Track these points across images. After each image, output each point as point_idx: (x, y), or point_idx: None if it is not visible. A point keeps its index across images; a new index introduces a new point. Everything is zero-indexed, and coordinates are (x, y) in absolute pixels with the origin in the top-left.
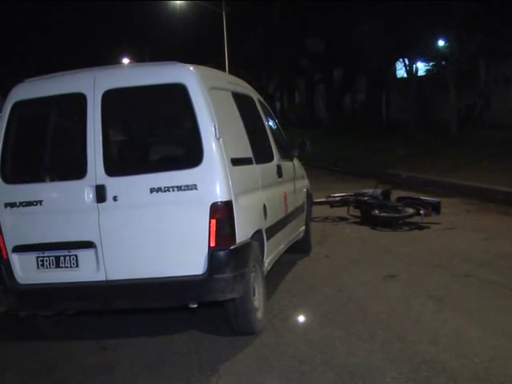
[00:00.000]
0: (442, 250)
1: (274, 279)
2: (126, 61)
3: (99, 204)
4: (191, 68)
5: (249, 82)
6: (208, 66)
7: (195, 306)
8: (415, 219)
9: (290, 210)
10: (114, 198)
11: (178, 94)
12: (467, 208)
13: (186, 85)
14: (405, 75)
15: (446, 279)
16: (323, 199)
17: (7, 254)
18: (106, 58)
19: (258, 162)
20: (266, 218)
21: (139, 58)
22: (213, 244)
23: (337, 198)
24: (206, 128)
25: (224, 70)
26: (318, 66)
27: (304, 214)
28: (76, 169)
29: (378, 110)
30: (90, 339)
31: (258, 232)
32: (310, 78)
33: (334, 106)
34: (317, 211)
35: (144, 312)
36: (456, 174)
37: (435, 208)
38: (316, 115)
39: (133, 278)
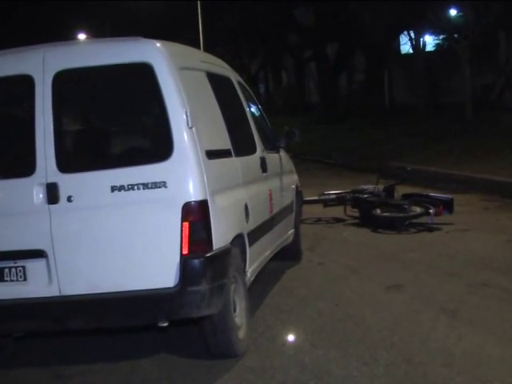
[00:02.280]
0: (455, 255)
1: (258, 292)
2: (81, 37)
3: (51, 206)
4: (158, 44)
5: (227, 61)
6: (179, 42)
7: (166, 324)
8: (424, 219)
9: (276, 210)
10: (69, 199)
11: (143, 75)
12: (485, 205)
13: (151, 64)
14: (410, 51)
15: (460, 289)
16: (315, 197)
17: None
18: (59, 34)
19: (238, 155)
20: (248, 220)
21: (99, 34)
22: (185, 251)
23: (331, 196)
24: (176, 115)
25: (198, 47)
26: (308, 41)
27: (293, 214)
28: (23, 164)
29: (379, 92)
30: (42, 366)
31: (239, 236)
32: (299, 56)
33: (328, 89)
34: (308, 211)
35: (106, 333)
36: (471, 165)
37: (447, 206)
38: (306, 99)
39: (91, 292)
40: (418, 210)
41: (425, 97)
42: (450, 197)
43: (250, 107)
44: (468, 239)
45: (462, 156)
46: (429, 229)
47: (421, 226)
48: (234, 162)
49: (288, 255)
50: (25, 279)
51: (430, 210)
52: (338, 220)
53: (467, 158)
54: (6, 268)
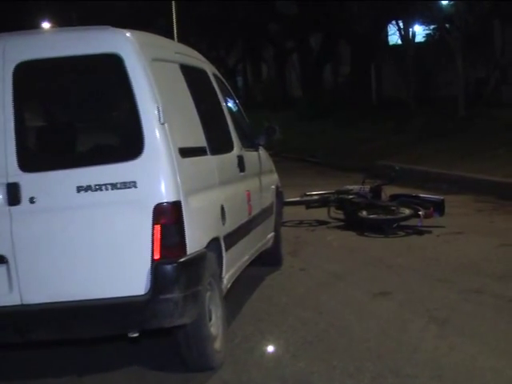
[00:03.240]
0: (446, 259)
1: (235, 300)
2: (45, 26)
3: (12, 207)
4: (128, 34)
5: (203, 53)
6: (151, 32)
7: (136, 335)
8: (413, 222)
9: (255, 212)
10: (31, 200)
11: (111, 67)
12: (479, 207)
13: (121, 55)
14: (399, 42)
15: (451, 296)
16: (297, 198)
17: None
18: (21, 23)
19: (213, 153)
20: (224, 223)
21: (64, 23)
22: (157, 256)
23: (314, 197)
24: (147, 110)
25: (171, 37)
26: (290, 31)
27: (273, 217)
28: None
29: (366, 85)
30: (1, 381)
31: (215, 240)
32: (280, 47)
33: (311, 82)
34: (289, 213)
35: (72, 344)
36: (464, 164)
37: (438, 207)
38: (288, 93)
39: (56, 301)
40: (407, 211)
41: (415, 91)
42: (441, 198)
43: (226, 102)
44: (460, 243)
45: (454, 154)
46: (418, 232)
47: (410, 229)
48: (210, 160)
49: (268, 260)
50: None
51: (420, 212)
52: (322, 223)
53: (460, 157)
54: None
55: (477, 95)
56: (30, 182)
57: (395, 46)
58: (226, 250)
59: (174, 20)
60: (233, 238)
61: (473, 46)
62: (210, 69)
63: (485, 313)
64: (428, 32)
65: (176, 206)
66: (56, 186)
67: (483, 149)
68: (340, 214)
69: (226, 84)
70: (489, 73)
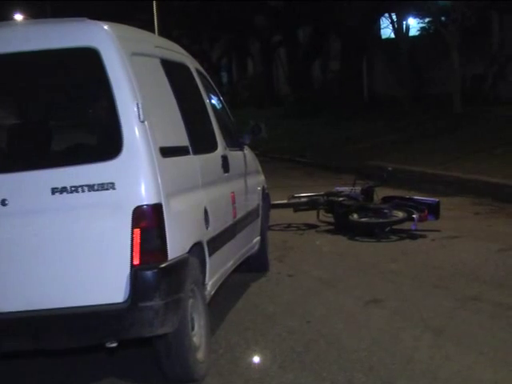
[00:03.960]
0: (442, 265)
1: (219, 307)
2: (18, 17)
3: None
4: (105, 27)
5: (185, 47)
6: (130, 25)
7: (114, 345)
8: (407, 225)
9: (240, 215)
10: (3, 202)
11: (88, 61)
12: (476, 210)
13: (98, 49)
14: (392, 35)
15: (447, 304)
16: (285, 201)
17: None
18: None
19: (196, 152)
20: (207, 227)
21: (38, 15)
22: (137, 261)
23: (303, 200)
24: (125, 107)
25: (152, 30)
26: (277, 24)
27: (259, 220)
28: None
29: (357, 82)
30: None
31: (198, 245)
32: (266, 41)
33: (299, 78)
34: (276, 216)
35: (46, 355)
36: (461, 165)
37: (433, 210)
38: (275, 90)
39: (29, 309)
40: (400, 214)
41: (409, 87)
42: (437, 200)
43: (210, 99)
44: (456, 248)
45: (450, 154)
46: (412, 236)
47: (403, 233)
48: (192, 160)
49: (253, 266)
50: None
51: (414, 215)
52: (310, 226)
53: (456, 157)
54: None
55: (474, 92)
56: (2, 184)
57: (388, 40)
58: (210, 255)
59: (155, 12)
60: (217, 243)
61: (469, 40)
62: (192, 64)
63: (482, 321)
64: (422, 25)
65: (156, 209)
66: (29, 187)
67: (481, 148)
68: (330, 218)
69: (210, 80)
70: (486, 68)
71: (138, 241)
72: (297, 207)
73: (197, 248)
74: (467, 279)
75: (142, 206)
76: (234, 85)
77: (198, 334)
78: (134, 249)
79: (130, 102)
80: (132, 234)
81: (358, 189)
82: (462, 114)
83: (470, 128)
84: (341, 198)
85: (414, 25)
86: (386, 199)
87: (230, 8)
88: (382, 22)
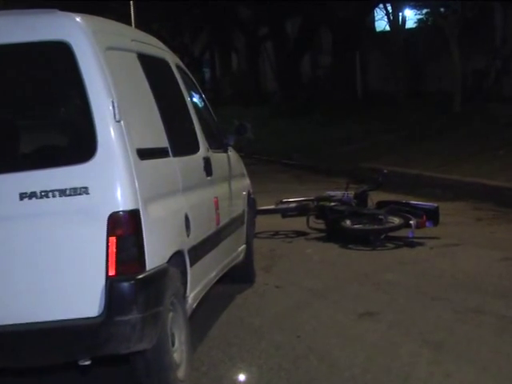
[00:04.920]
0: (441, 275)
1: (202, 321)
2: None
3: None
4: (78, 19)
5: (164, 41)
6: (105, 17)
7: (88, 362)
8: (403, 232)
9: (223, 221)
10: None
11: (59, 56)
12: (478, 215)
13: (70, 43)
14: (387, 28)
15: (447, 317)
16: (272, 206)
17: None
18: None
19: (176, 154)
20: (188, 234)
21: (5, 5)
22: (112, 272)
23: (291, 205)
24: (100, 106)
25: (129, 22)
26: (263, 16)
27: (244, 227)
28: None
29: (349, 78)
30: None
31: (178, 254)
32: (252, 34)
33: (288, 74)
34: (263, 223)
35: (14, 374)
36: (461, 167)
37: (431, 216)
38: (262, 87)
39: None
40: (397, 221)
41: (405, 84)
42: (435, 205)
43: (191, 97)
44: (457, 256)
45: (449, 156)
46: (409, 244)
47: (400, 241)
48: (172, 163)
49: (238, 277)
50: None
51: (411, 222)
52: (300, 234)
53: (456, 159)
54: None
55: (475, 89)
56: None
57: (383, 32)
58: (191, 265)
59: (132, 3)
60: (199, 252)
61: (470, 33)
62: (172, 59)
63: (485, 335)
64: (420, 17)
65: (133, 215)
66: None
67: (482, 149)
68: (320, 224)
69: (191, 76)
70: (488, 63)
71: (114, 250)
72: (285, 213)
73: (177, 257)
74: (468, 290)
75: (118, 212)
76: (217, 81)
77: (178, 351)
78: (110, 258)
79: (105, 100)
80: (107, 242)
81: (351, 193)
82: (462, 113)
83: (471, 127)
84: (332, 203)
85: (410, 16)
86: (381, 204)
87: None
88: (376, 14)
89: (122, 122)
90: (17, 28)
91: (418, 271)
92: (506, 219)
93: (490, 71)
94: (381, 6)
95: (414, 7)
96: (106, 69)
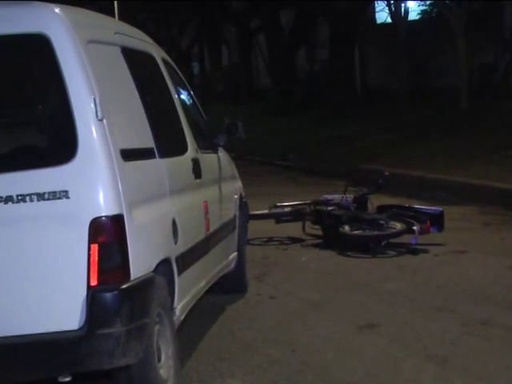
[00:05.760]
0: (447, 284)
1: (190, 334)
2: None
3: None
4: (57, 10)
5: (150, 34)
6: (87, 8)
7: (68, 379)
8: (406, 239)
9: (214, 227)
10: None
11: (37, 50)
12: (485, 220)
13: (48, 36)
14: (388, 20)
15: (453, 329)
16: (265, 211)
17: None
18: None
19: (163, 156)
20: (176, 241)
21: None
22: (94, 282)
23: (286, 209)
24: (81, 103)
25: (112, 14)
26: (256, 7)
27: (236, 233)
28: None
29: (348, 73)
30: None
31: (165, 262)
32: (244, 26)
33: (282, 69)
34: (256, 229)
35: None
36: (468, 169)
37: (436, 221)
38: (254, 82)
39: None
40: (399, 226)
41: (407, 80)
42: (440, 209)
43: (179, 93)
44: (463, 264)
45: (455, 156)
46: (412, 251)
47: (402, 248)
48: (159, 164)
49: (230, 286)
50: None
51: (414, 227)
52: (295, 240)
53: (462, 160)
54: None
55: (482, 84)
56: None
57: (384, 25)
58: (179, 273)
59: None
60: (187, 260)
61: (477, 25)
62: (158, 53)
63: (493, 349)
64: (423, 8)
65: (117, 221)
66: None
67: (490, 149)
68: (317, 230)
69: (179, 71)
70: (497, 57)
71: (96, 258)
72: (279, 218)
73: (164, 266)
74: (476, 300)
75: (101, 217)
76: (206, 77)
77: (165, 366)
78: (92, 267)
79: (86, 97)
80: (89, 250)
81: (349, 196)
82: (468, 110)
83: (478, 126)
84: (330, 208)
85: (413, 7)
86: (381, 208)
87: None
88: (376, 5)
89: (104, 121)
90: None
91: (422, 280)
92: None
93: (498, 65)
94: None
95: None
96: (88, 63)
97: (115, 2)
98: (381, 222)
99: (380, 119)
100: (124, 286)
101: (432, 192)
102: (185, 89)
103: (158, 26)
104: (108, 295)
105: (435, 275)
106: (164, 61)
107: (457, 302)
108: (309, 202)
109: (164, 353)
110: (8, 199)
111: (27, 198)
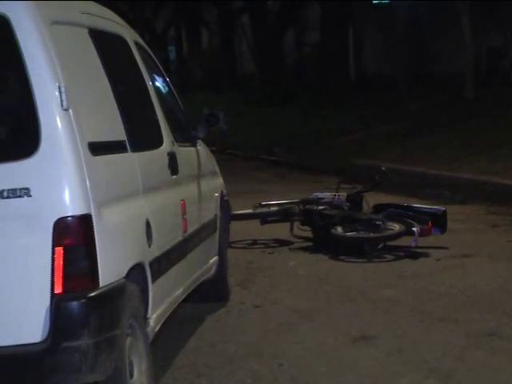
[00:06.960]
0: (450, 292)
1: (166, 347)
2: None
3: None
4: None
5: (122, 14)
6: None
7: None
8: (405, 241)
9: (192, 228)
10: None
11: None
12: (493, 221)
13: (7, 17)
14: (386, 0)
15: (457, 342)
16: (250, 210)
17: None
18: None
19: (135, 149)
20: (150, 244)
21: None
22: (59, 289)
23: (272, 209)
24: (44, 91)
25: None
26: None
27: (217, 235)
28: None
29: (341, 58)
30: None
31: (138, 267)
32: (225, 7)
33: (268, 54)
34: (239, 231)
35: None
36: (473, 164)
37: (438, 222)
38: (237, 69)
39: None
40: (397, 227)
41: (407, 66)
42: (442, 209)
43: (153, 80)
44: (468, 270)
45: (458, 150)
46: (412, 255)
47: (400, 251)
48: (131, 159)
49: (210, 294)
50: None
51: (414, 228)
52: (283, 243)
53: (466, 154)
54: None
55: (490, 71)
56: None
57: (381, 5)
58: (154, 280)
59: None
60: (162, 265)
61: (484, 6)
62: (130, 35)
63: (501, 363)
64: None
65: (84, 222)
66: None
67: (497, 142)
68: (307, 232)
69: (153, 56)
70: (506, 40)
71: (61, 262)
72: (265, 218)
73: (137, 271)
74: (482, 310)
75: (66, 217)
76: (184, 62)
77: (138, 383)
78: (56, 273)
79: (50, 84)
80: (53, 254)
81: (342, 195)
82: (474, 99)
83: (485, 117)
84: (321, 207)
85: None
86: (378, 208)
87: None
88: None
89: (70, 111)
90: None
91: (423, 287)
92: None
93: (507, 50)
94: None
95: None
96: (52, 47)
97: None
98: (377, 222)
99: (377, 109)
100: (92, 294)
101: (434, 190)
102: (160, 75)
103: (131, 5)
104: (74, 304)
105: (437, 282)
106: (137, 44)
107: (461, 311)
108: (297, 200)
109: (137, 368)
110: None
111: None
